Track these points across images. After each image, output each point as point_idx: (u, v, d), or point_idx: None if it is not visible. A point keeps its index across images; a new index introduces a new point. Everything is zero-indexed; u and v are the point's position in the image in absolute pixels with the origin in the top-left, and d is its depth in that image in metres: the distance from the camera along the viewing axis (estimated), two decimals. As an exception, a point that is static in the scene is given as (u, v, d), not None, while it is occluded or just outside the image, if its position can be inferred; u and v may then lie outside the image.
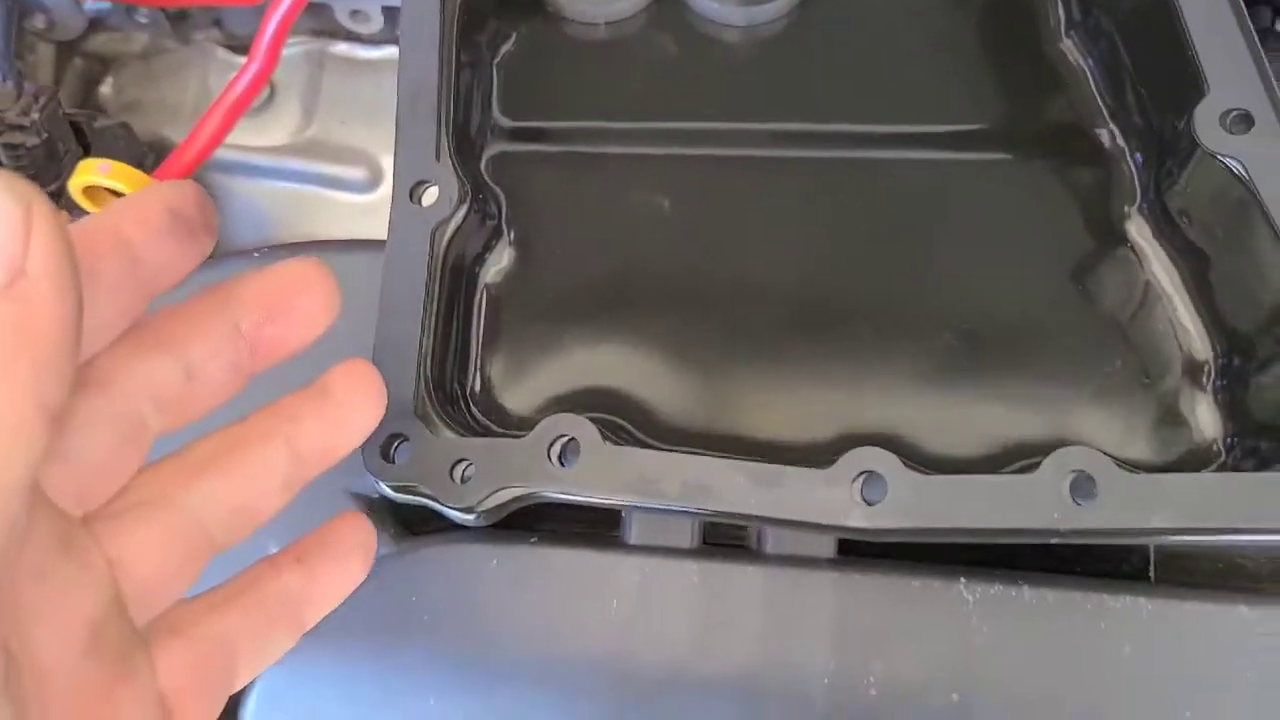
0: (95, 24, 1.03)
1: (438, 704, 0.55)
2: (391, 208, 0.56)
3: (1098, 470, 0.47)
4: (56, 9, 0.98)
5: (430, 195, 0.56)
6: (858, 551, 0.58)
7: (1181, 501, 0.46)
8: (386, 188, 0.99)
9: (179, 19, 1.01)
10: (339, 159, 0.98)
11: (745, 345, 0.58)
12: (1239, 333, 0.54)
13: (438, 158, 0.57)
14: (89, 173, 0.72)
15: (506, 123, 0.64)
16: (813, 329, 0.58)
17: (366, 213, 0.98)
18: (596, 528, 0.58)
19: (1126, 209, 0.59)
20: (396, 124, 0.58)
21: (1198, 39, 0.53)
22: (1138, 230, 0.58)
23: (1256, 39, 0.53)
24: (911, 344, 0.57)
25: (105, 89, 1.04)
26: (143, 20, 1.01)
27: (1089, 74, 0.62)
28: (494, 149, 0.63)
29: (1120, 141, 0.60)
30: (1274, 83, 0.52)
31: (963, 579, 0.55)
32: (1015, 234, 0.60)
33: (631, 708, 0.55)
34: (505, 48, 0.66)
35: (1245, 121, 0.51)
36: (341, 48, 0.99)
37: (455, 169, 0.56)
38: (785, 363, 0.57)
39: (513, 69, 0.66)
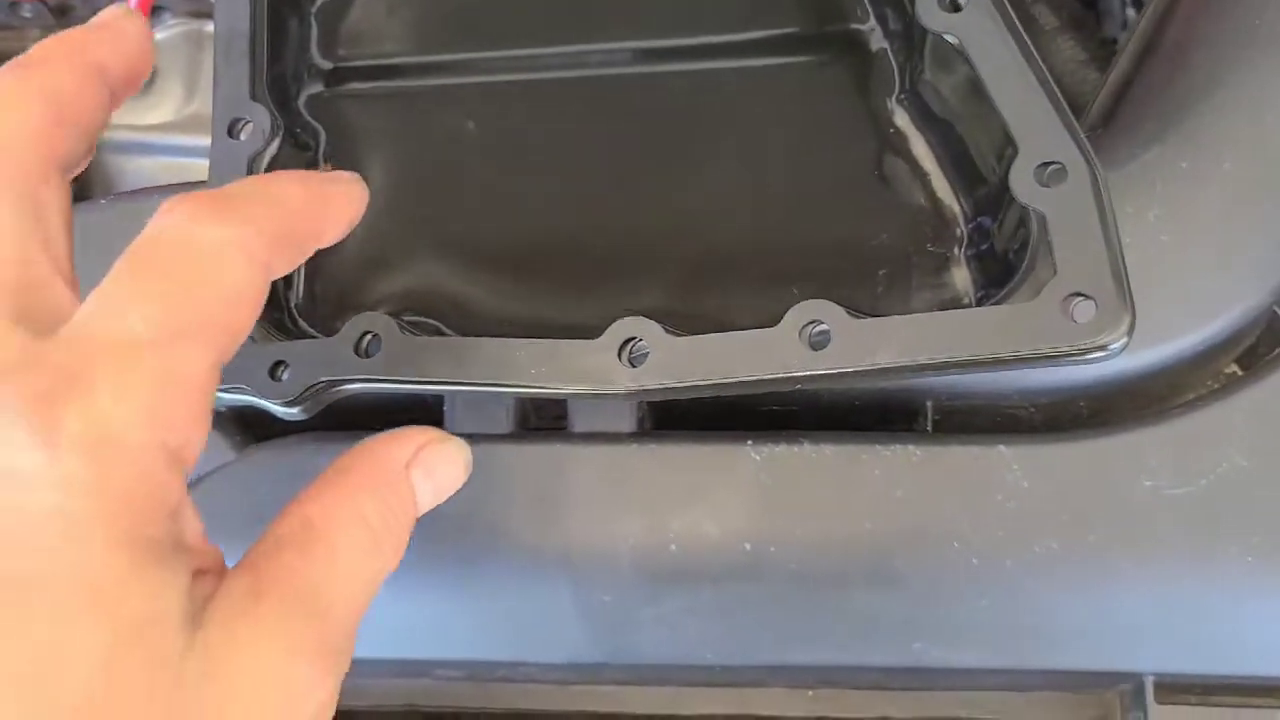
0: (-17, 18, 1.08)
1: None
2: (211, 146, 0.61)
3: (831, 319, 0.52)
4: (-58, 10, 1.03)
5: (247, 131, 0.61)
6: (664, 427, 0.64)
7: (900, 340, 0.51)
8: (269, 155, 1.05)
9: (62, 10, 1.06)
10: (223, 131, 1.03)
11: (546, 248, 0.63)
12: (981, 197, 0.59)
13: (252, 96, 0.62)
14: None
15: (324, 64, 0.69)
16: (606, 229, 0.63)
17: (252, 180, 1.03)
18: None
19: (889, 100, 0.64)
20: (214, 69, 0.63)
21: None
22: (900, 118, 0.64)
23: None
24: (696, 234, 0.62)
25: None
26: (27, 14, 1.06)
27: None
28: (312, 88, 0.68)
29: (882, 40, 0.65)
30: (984, -34, 0.57)
31: (750, 441, 0.61)
32: (795, 131, 0.65)
33: (453, 582, 0.61)
34: (321, -5, 0.71)
35: (958, 3, 0.57)
36: (219, 26, 1.04)
37: (268, 106, 0.62)
38: (581, 260, 0.62)
39: (330, 13, 0.70)
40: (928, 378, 0.60)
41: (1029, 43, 0.56)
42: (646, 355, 0.53)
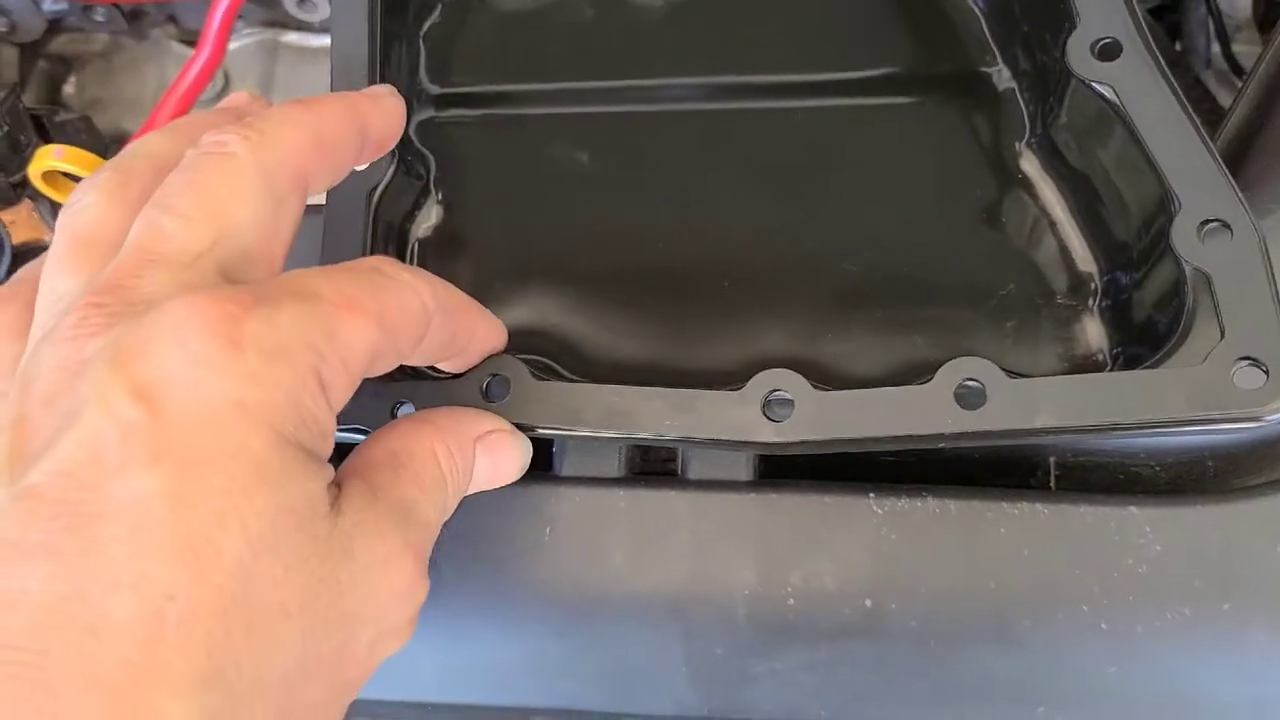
0: (55, 25, 1.06)
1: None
2: (326, 172, 0.60)
3: (985, 377, 0.50)
4: (16, 11, 1.02)
5: (361, 158, 0.60)
6: (775, 474, 0.62)
7: (1060, 401, 0.49)
8: (341, 170, 1.03)
9: (135, 16, 1.04)
10: (294, 143, 1.01)
11: (662, 284, 0.61)
12: (1119, 249, 0.57)
13: (368, 120, 0.60)
14: (46, 158, 0.75)
15: (433, 89, 0.68)
16: (725, 266, 0.61)
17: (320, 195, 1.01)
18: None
19: (1017, 144, 0.62)
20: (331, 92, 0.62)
21: (1065, -24, 0.57)
22: (1028, 163, 0.62)
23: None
24: (817, 276, 0.61)
25: (69, 88, 1.08)
26: (100, 19, 1.04)
27: (980, 17, 0.66)
28: (422, 114, 0.67)
29: (1010, 80, 0.64)
30: (1138, 11, 0.56)
31: (871, 494, 0.59)
32: (917, 171, 0.64)
33: (570, 628, 0.59)
34: (431, 18, 0.70)
35: (1113, 49, 0.55)
36: (292, 37, 1.03)
37: (387, 138, 0.60)
38: (701, 299, 0.61)
39: (438, 39, 0.69)
40: (1057, 435, 0.58)
41: (1183, 95, 0.54)
42: (791, 408, 0.51)
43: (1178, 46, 1.07)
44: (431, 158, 0.65)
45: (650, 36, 0.69)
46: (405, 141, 0.64)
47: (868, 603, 0.57)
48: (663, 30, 0.70)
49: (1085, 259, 0.59)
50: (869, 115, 0.65)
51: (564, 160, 0.65)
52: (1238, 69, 1.04)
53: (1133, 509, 0.58)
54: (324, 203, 0.60)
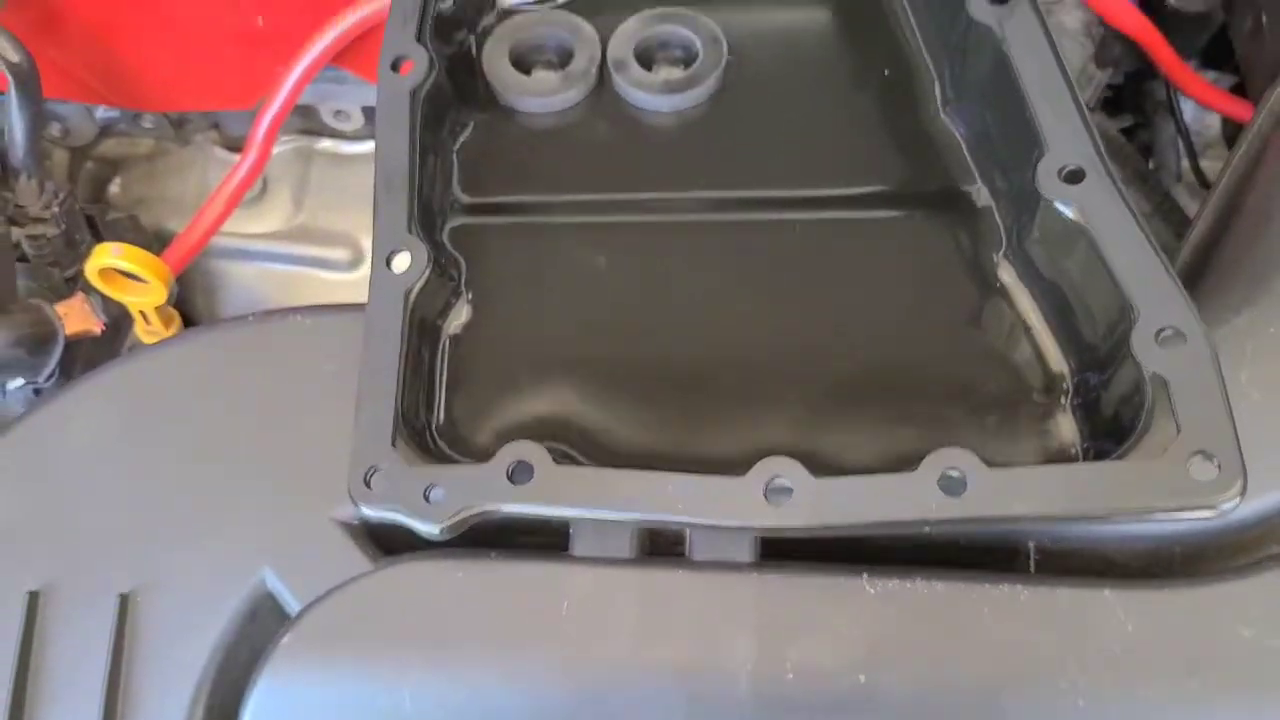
0: (104, 130, 1.14)
1: (413, 704, 0.63)
2: (370, 273, 0.66)
3: (966, 466, 0.56)
4: (71, 118, 1.09)
5: (401, 262, 0.66)
6: (776, 554, 0.67)
7: (1033, 491, 0.55)
8: (367, 267, 1.10)
9: (180, 123, 1.12)
10: (325, 242, 1.08)
11: (673, 379, 0.67)
12: (1088, 352, 0.63)
13: (409, 229, 0.67)
14: (104, 256, 0.81)
15: (465, 198, 0.74)
16: (730, 362, 0.67)
17: (350, 290, 1.08)
18: (545, 546, 0.66)
19: (995, 255, 0.69)
20: (374, 202, 0.68)
21: (1036, 107, 0.64)
22: (1005, 273, 0.68)
23: (1084, 104, 0.64)
24: (814, 372, 0.66)
25: (114, 188, 1.15)
26: (148, 125, 1.12)
27: (962, 142, 0.73)
28: (454, 221, 0.73)
29: (988, 198, 0.70)
30: (1100, 142, 0.62)
31: (865, 575, 0.63)
32: (904, 279, 0.70)
33: (582, 698, 0.63)
34: (464, 135, 0.77)
35: (1078, 175, 0.62)
36: (327, 144, 1.10)
37: (421, 239, 0.66)
38: (707, 392, 0.66)
39: (470, 152, 0.76)
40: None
41: (1139, 214, 0.60)
42: (790, 493, 0.57)
43: (1151, 164, 1.15)
44: (463, 261, 0.71)
45: (662, 152, 0.76)
46: (439, 245, 0.71)
47: (862, 678, 0.61)
48: (673, 146, 0.76)
49: (1058, 360, 0.65)
50: (861, 228, 0.72)
51: (584, 265, 0.72)
52: (1206, 184, 1.12)
53: (1106, 592, 0.62)
54: (365, 300, 0.66)
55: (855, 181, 0.73)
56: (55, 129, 1.10)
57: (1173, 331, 0.57)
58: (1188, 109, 1.12)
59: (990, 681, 0.61)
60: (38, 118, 0.85)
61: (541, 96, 0.78)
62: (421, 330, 0.67)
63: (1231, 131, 1.16)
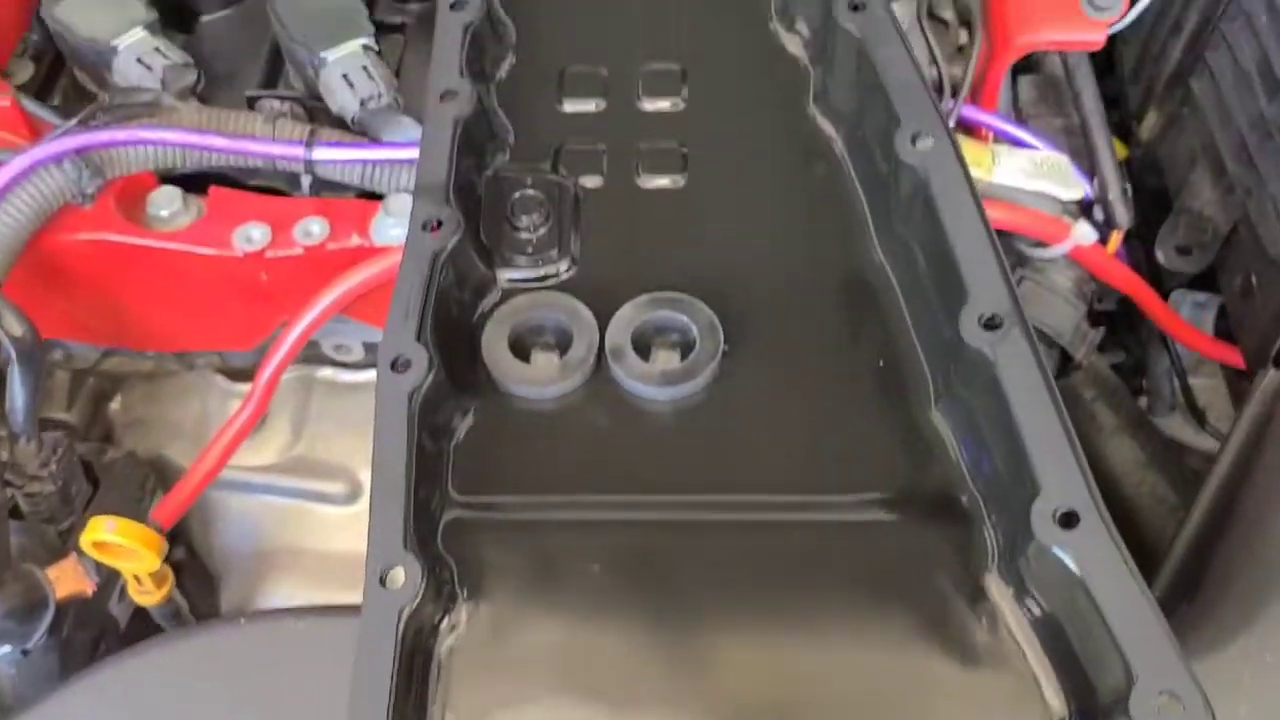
0: (105, 353, 1.15)
1: None
2: (364, 594, 0.66)
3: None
4: (74, 344, 1.10)
5: (395, 578, 0.66)
6: None
7: None
8: (364, 501, 1.09)
9: (190, 366, 1.13)
10: (322, 475, 1.09)
11: (674, 691, 0.66)
12: (1081, 690, 0.63)
13: (404, 545, 0.67)
14: (98, 531, 0.81)
15: (460, 498, 0.74)
16: (722, 677, 0.66)
17: (346, 525, 1.08)
18: None
19: (985, 570, 0.69)
20: (370, 507, 0.68)
21: (1029, 445, 0.64)
22: (995, 589, 0.68)
23: (1079, 444, 0.64)
24: (808, 683, 0.66)
25: (114, 405, 1.16)
26: (150, 351, 1.13)
27: (950, 444, 0.73)
28: (449, 515, 0.73)
29: (980, 506, 0.71)
30: (1095, 486, 0.63)
31: None
32: (893, 587, 0.70)
33: None
34: (462, 425, 0.77)
35: (1072, 519, 0.62)
36: (327, 372, 1.12)
37: (416, 555, 0.66)
38: (699, 710, 0.66)
39: (467, 447, 0.76)
40: None
41: (1138, 571, 0.61)
42: None
43: (1143, 399, 1.16)
44: (454, 564, 0.71)
45: (658, 447, 0.76)
46: (433, 550, 0.71)
47: None
48: (670, 439, 0.77)
49: (1051, 689, 0.64)
50: (853, 532, 0.72)
51: (578, 569, 0.71)
52: (1200, 417, 1.12)
53: None
54: (359, 614, 0.66)
55: (847, 486, 0.73)
56: (58, 353, 1.11)
57: (1170, 696, 0.56)
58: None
59: None
60: (37, 386, 0.86)
61: (541, 386, 0.78)
62: (414, 644, 0.66)
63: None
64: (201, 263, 0.93)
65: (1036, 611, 0.66)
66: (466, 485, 0.75)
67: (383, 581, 0.66)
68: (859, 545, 0.72)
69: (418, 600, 0.66)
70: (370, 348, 1.10)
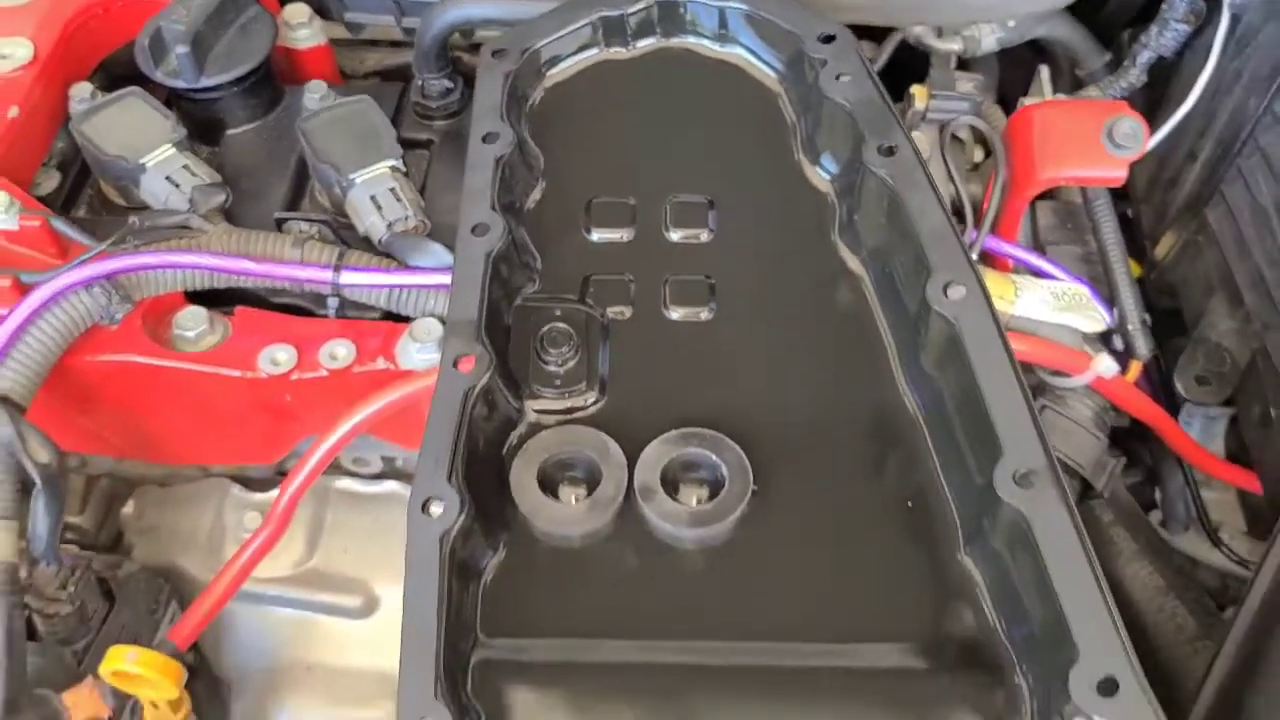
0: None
1: None
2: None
3: None
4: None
5: (427, 741, 0.65)
6: None
7: None
8: (380, 615, 1.09)
9: (199, 458, 1.13)
10: (338, 588, 1.08)
11: None
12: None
13: (435, 694, 0.66)
14: (118, 661, 0.81)
15: (488, 640, 0.74)
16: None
17: (361, 639, 1.07)
18: None
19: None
20: (401, 661, 0.68)
21: (1067, 609, 0.64)
22: (1032, 752, 0.68)
23: (1115, 607, 0.64)
24: None
25: (127, 510, 1.15)
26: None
27: (982, 588, 0.73)
28: (478, 658, 0.72)
29: (1011, 655, 0.70)
30: (1133, 650, 0.63)
31: None
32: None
33: None
34: (491, 563, 0.77)
35: (1111, 687, 0.62)
36: (344, 483, 1.11)
37: (446, 704, 0.66)
38: None
39: (495, 590, 0.76)
40: None
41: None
42: None
43: (1154, 513, 1.16)
44: (483, 712, 0.70)
45: (686, 589, 0.76)
46: (461, 698, 0.70)
47: None
48: (697, 582, 0.77)
49: None
50: (881, 683, 0.72)
51: (604, 712, 0.71)
52: (1215, 538, 1.12)
53: None
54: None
55: (875, 633, 0.73)
56: (74, 460, 1.11)
57: None
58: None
59: None
60: (60, 513, 0.85)
61: (567, 525, 0.78)
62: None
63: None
64: (226, 383, 0.93)
65: (1070, 776, 0.66)
66: (495, 628, 0.75)
67: (413, 735, 0.65)
68: (888, 692, 0.71)
69: (446, 758, 0.65)
70: (388, 460, 1.10)
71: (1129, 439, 1.19)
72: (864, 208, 0.88)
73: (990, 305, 0.76)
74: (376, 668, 1.06)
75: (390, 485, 1.11)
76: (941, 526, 0.78)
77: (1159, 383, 1.11)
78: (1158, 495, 1.19)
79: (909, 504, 0.79)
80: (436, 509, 0.73)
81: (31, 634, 0.90)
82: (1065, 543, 0.67)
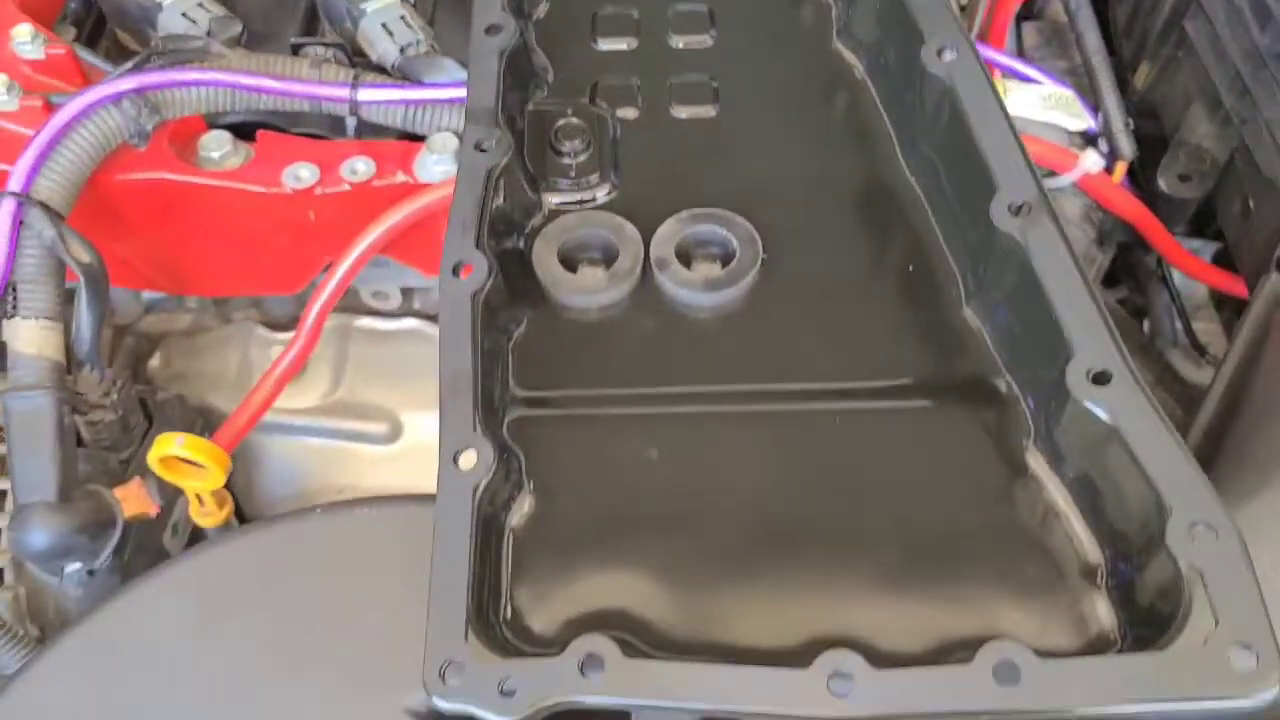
0: (147, 309, 1.19)
1: None
2: (439, 472, 0.69)
3: (1020, 659, 0.59)
4: (117, 299, 1.14)
5: (468, 460, 0.70)
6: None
7: (1086, 681, 0.58)
8: (406, 441, 1.14)
9: (222, 301, 1.17)
10: (363, 416, 1.12)
11: (728, 567, 0.70)
12: (1121, 539, 0.67)
13: (474, 429, 0.71)
14: (167, 445, 0.85)
15: (521, 393, 0.79)
16: (780, 552, 0.70)
17: (388, 464, 1.12)
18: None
19: (1024, 443, 0.73)
20: (440, 404, 0.72)
21: (1062, 314, 0.69)
22: (1034, 461, 0.73)
23: (1107, 312, 0.69)
24: (858, 560, 0.70)
25: (154, 363, 1.19)
26: (191, 305, 1.17)
27: (986, 335, 0.78)
28: (513, 414, 0.77)
29: (1015, 389, 0.75)
30: (1124, 346, 0.68)
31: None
32: (938, 467, 0.74)
33: None
34: (518, 331, 0.82)
35: (1105, 377, 0.67)
36: (365, 321, 1.16)
37: (489, 438, 0.70)
38: (760, 580, 0.70)
39: (525, 348, 0.80)
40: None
41: (1164, 414, 0.65)
42: (851, 684, 0.60)
43: (1145, 326, 1.21)
44: (522, 454, 0.75)
45: (704, 347, 0.81)
46: (500, 440, 0.75)
47: None
48: (715, 340, 0.81)
49: (1092, 547, 0.69)
50: (894, 418, 0.76)
51: (636, 456, 0.75)
52: (1200, 349, 1.17)
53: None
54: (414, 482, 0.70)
55: (885, 374, 0.78)
56: (101, 308, 1.14)
57: (1204, 526, 0.61)
58: (1176, 274, 1.19)
59: None
60: (103, 314, 0.89)
61: (589, 294, 0.83)
62: (487, 525, 0.70)
63: (1218, 296, 1.23)
64: (251, 201, 0.97)
65: (1072, 475, 0.71)
66: (527, 381, 0.79)
67: (455, 461, 0.70)
68: (900, 428, 0.76)
69: (490, 477, 0.70)
70: (407, 294, 1.14)
71: (1114, 269, 1.24)
72: (857, 3, 0.93)
73: (982, 64, 0.81)
74: (404, 488, 1.10)
75: (410, 322, 1.16)
76: (944, 286, 0.82)
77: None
78: (1145, 324, 1.25)
79: (911, 268, 0.84)
80: (467, 271, 0.78)
81: (78, 442, 0.94)
82: (1059, 259, 0.72)
